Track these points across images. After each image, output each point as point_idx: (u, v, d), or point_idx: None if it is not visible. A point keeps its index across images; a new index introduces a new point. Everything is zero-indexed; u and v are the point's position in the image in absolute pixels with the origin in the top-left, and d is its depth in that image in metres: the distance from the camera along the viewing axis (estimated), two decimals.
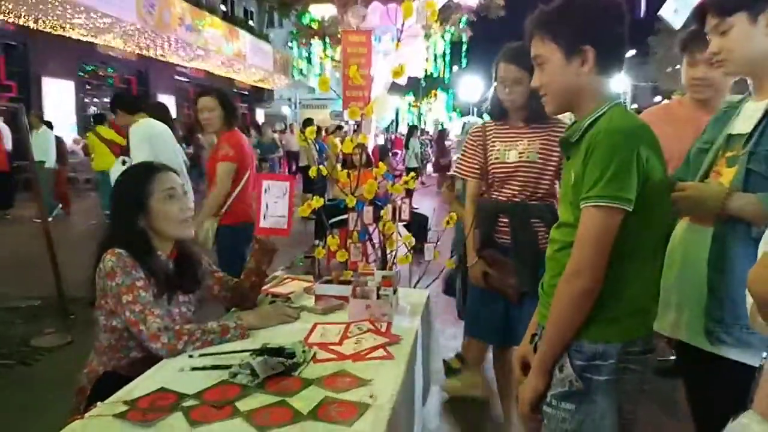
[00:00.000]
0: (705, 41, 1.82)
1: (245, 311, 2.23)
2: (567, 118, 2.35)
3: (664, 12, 3.21)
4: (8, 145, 10.09)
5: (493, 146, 2.71)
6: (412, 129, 17.22)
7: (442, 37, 15.45)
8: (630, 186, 1.41)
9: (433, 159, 17.56)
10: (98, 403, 1.57)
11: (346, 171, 2.67)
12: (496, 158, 2.68)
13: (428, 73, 15.65)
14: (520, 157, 2.63)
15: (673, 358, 3.10)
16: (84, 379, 2.02)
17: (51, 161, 9.66)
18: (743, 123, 1.74)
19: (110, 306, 1.96)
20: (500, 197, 2.68)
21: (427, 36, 13.28)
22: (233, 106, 3.87)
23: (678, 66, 2.62)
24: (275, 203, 2.35)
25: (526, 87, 2.51)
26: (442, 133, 17.53)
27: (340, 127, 13.07)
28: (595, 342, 1.49)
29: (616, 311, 1.49)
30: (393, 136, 22.95)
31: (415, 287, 2.81)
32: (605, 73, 1.54)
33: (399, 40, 2.43)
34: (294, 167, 15.59)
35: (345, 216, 2.66)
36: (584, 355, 1.50)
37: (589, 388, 1.49)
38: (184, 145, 10.71)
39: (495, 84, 2.68)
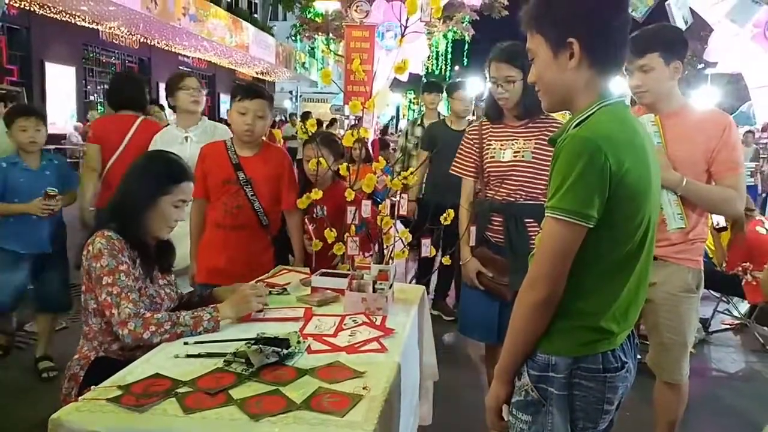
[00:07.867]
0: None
1: (221, 303, 2.09)
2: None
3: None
4: None
5: (489, 145, 2.71)
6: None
7: (445, 36, 15.41)
8: (590, 200, 1.31)
9: None
10: (92, 387, 1.57)
11: (345, 164, 2.67)
12: (492, 157, 2.69)
13: (429, 70, 15.60)
14: (515, 156, 2.63)
15: None
16: (76, 366, 2.02)
17: None
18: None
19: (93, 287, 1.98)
20: (495, 196, 2.68)
21: (430, 34, 13.26)
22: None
23: None
24: None
25: (517, 85, 2.53)
26: None
27: (334, 121, 13.04)
28: (547, 353, 1.44)
29: (567, 324, 1.42)
30: None
31: (410, 282, 2.82)
32: (598, 69, 1.43)
33: (403, 36, 2.41)
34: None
35: None
36: (538, 365, 1.45)
37: (545, 399, 1.44)
38: None
39: (489, 84, 2.68)
